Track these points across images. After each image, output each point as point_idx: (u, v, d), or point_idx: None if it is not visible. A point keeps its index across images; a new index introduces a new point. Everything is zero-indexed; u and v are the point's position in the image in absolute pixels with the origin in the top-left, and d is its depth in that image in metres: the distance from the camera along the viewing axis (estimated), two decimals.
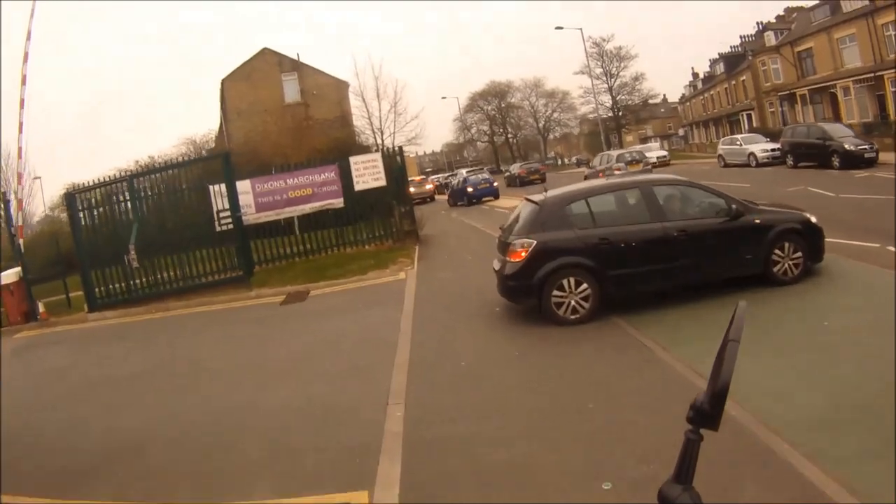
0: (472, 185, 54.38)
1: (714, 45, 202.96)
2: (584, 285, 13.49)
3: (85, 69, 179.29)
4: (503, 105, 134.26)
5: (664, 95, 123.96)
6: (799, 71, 69.07)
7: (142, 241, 23.65)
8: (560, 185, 18.93)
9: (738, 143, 51.47)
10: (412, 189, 60.94)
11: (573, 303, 13.50)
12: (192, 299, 23.00)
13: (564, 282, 13.50)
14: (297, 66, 59.80)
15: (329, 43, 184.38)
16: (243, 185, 25.88)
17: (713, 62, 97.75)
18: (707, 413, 1.96)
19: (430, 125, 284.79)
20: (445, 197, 68.25)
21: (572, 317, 13.50)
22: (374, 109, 75.89)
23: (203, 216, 25.06)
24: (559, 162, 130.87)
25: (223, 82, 58.81)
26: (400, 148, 31.45)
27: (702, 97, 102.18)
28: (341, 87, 61.93)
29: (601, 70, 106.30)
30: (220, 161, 25.79)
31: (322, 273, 23.62)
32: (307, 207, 26.91)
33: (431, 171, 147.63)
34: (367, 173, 27.45)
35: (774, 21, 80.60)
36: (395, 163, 29.22)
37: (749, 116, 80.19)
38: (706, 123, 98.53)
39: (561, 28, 79.21)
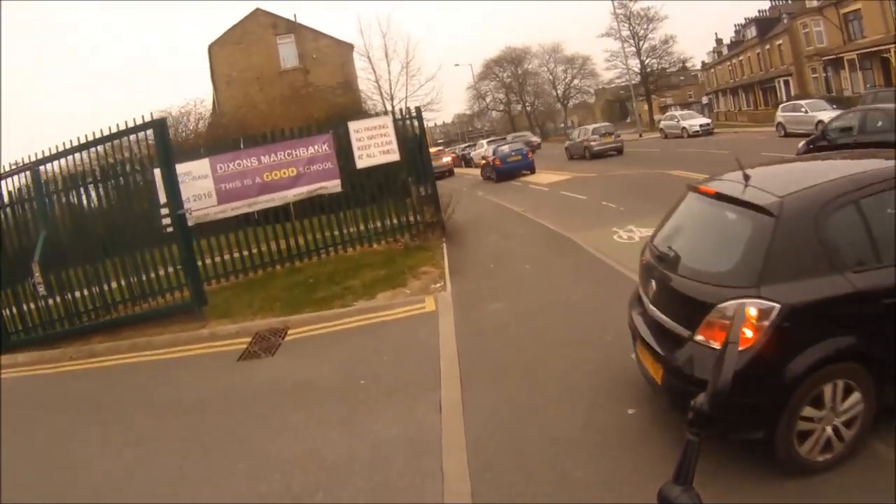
0: (501, 157, 44.91)
1: (738, 10, 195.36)
2: (856, 394, 5.89)
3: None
4: (520, 72, 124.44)
5: (693, 60, 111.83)
6: (845, 34, 61.66)
7: (55, 255, 16.14)
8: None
9: (803, 109, 43.22)
10: None
11: (829, 431, 5.89)
12: (124, 337, 15.09)
13: (827, 389, 5.80)
14: (293, 28, 51.44)
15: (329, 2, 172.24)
16: (199, 167, 18.54)
17: (742, 26, 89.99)
18: (707, 414, 2.00)
19: (442, 94, 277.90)
20: (466, 170, 63.10)
21: (821, 458, 5.91)
22: (382, 71, 67.18)
23: (142, 214, 17.19)
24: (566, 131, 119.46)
25: (210, 48, 50.72)
26: (417, 109, 22.04)
27: (729, 63, 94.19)
28: (344, 49, 53.83)
29: (628, 32, 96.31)
30: (159, 132, 15.87)
31: (309, 294, 15.88)
32: (290, 194, 19.34)
33: (444, 142, 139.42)
34: (374, 144, 19.98)
35: None
36: (410, 129, 21.19)
37: (786, 83, 72.49)
38: (734, 91, 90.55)
39: None
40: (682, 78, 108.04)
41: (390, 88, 65.63)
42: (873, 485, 5.57)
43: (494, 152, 45.59)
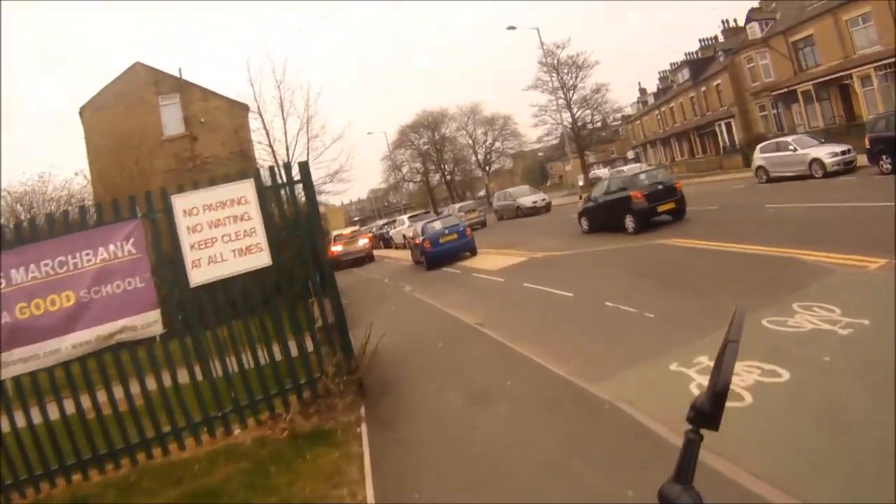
0: (432, 238, 33.52)
1: (658, 60, 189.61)
2: None
3: None
4: (437, 137, 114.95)
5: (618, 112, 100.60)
6: (795, 65, 55.69)
7: None
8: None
9: (791, 147, 34.47)
10: (339, 247, 45.74)
11: None
12: None
13: None
14: (178, 87, 41.08)
15: (222, 54, 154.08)
16: None
17: (671, 71, 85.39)
18: (707, 413, 1.91)
19: (353, 160, 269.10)
20: (386, 251, 55.12)
21: None
22: (278, 132, 49.49)
23: None
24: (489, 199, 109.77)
25: (81, 112, 39.90)
26: (303, 166, 12.52)
27: (657, 112, 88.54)
28: (237, 111, 43.08)
29: (556, 83, 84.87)
30: None
31: None
32: (65, 346, 9.97)
33: (359, 219, 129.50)
34: (223, 236, 10.80)
35: (756, 8, 65.52)
36: (289, 205, 12.21)
37: (728, 125, 66.41)
38: (665, 141, 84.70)
39: (514, 28, 60.56)
40: (603, 133, 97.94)
41: (287, 152, 48.12)
42: None
43: (423, 231, 34.60)
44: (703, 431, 1.94)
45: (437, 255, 33.05)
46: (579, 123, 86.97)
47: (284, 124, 47.91)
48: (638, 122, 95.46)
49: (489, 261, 29.47)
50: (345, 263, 45.03)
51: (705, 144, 72.65)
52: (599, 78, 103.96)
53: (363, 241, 49.93)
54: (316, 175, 45.06)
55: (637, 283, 17.07)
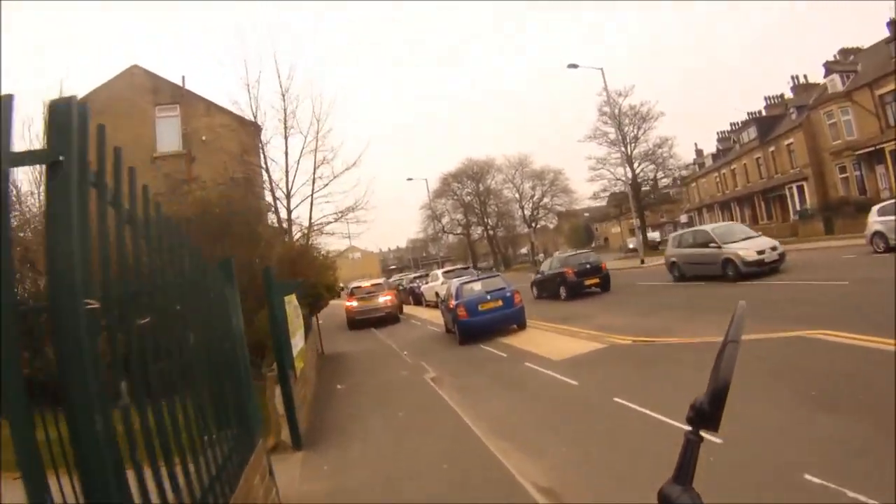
0: (468, 304, 24.85)
1: (713, 121, 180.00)
2: None
3: None
4: (482, 188, 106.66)
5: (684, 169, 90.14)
6: (883, 120, 48.49)
7: None
8: None
9: None
10: (354, 303, 37.02)
11: None
12: None
13: None
14: (180, 97, 33.18)
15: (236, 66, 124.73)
16: None
17: (734, 131, 76.96)
18: (707, 413, 1.88)
19: (373, 196, 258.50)
20: (415, 309, 45.62)
21: None
22: (277, 153, 36.60)
23: None
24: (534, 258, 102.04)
25: None
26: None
27: (716, 174, 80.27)
28: (246, 131, 34.22)
29: (617, 135, 73.71)
30: None
31: None
32: None
33: (396, 268, 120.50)
34: None
35: (835, 61, 58.07)
36: None
37: (800, 188, 59.05)
38: (725, 205, 76.23)
39: (575, 66, 50.81)
40: (653, 196, 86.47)
41: (287, 179, 34.78)
42: None
43: (458, 293, 25.95)
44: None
45: (473, 327, 24.51)
46: (640, 180, 77.29)
47: (286, 141, 35.44)
48: (694, 184, 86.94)
49: (545, 342, 21.10)
50: (360, 322, 37.10)
51: (771, 209, 64.80)
52: (662, 131, 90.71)
53: (385, 299, 38.95)
54: (319, 211, 34.39)
55: (811, 412, 9.33)
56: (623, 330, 19.97)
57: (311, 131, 35.86)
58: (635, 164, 75.99)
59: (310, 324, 22.71)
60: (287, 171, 35.17)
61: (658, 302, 25.43)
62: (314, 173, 35.06)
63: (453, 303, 25.61)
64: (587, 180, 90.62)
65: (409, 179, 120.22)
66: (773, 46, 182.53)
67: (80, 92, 33.87)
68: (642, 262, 50.88)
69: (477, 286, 26.21)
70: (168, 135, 32.36)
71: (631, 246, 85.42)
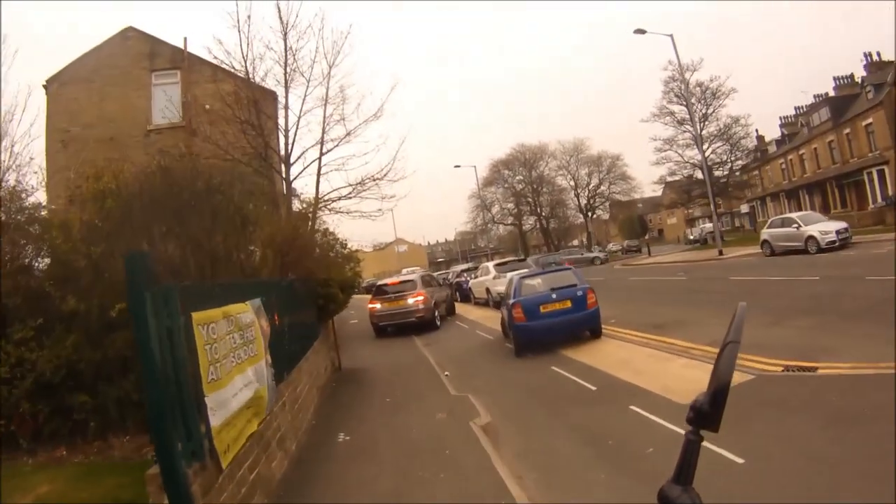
0: (527, 305, 18.93)
1: (772, 108, 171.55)
2: None
3: None
4: (534, 175, 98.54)
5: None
6: None
7: None
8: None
9: None
10: (377, 304, 30.49)
11: None
12: None
13: None
14: (179, 61, 26.34)
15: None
16: None
17: (803, 112, 69.44)
18: (707, 413, 1.87)
19: (441, 206, 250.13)
20: (465, 307, 37.87)
21: None
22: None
23: None
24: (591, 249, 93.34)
25: (47, 85, 25.49)
26: None
27: (781, 161, 72.57)
28: (263, 99, 25.81)
29: (683, 112, 67.44)
30: None
31: None
32: None
33: (444, 261, 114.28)
34: None
35: None
36: None
37: (881, 173, 51.76)
38: (792, 193, 68.32)
39: (643, 32, 43.78)
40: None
41: (286, 141, 25.47)
42: None
43: (516, 290, 20.02)
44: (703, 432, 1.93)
45: (532, 333, 18.93)
46: (711, 163, 66.37)
47: (287, 93, 25.50)
48: (756, 172, 78.86)
49: (642, 364, 14.82)
50: (386, 329, 29.72)
51: (846, 196, 57.33)
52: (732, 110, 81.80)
53: (414, 299, 29.72)
54: (326, 185, 27.90)
55: None
56: (756, 348, 13.25)
57: (317, 74, 25.44)
58: (705, 145, 65.89)
59: (317, 333, 16.66)
60: (287, 131, 25.22)
61: (774, 304, 18.58)
62: (323, 132, 24.97)
63: (508, 301, 20.34)
64: (652, 163, 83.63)
65: (457, 167, 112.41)
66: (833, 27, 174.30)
67: (67, 58, 27.81)
68: (720, 253, 44.45)
69: (541, 282, 20.31)
70: (165, 104, 25.42)
71: (692, 237, 79.95)
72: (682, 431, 5.89)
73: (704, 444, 3.29)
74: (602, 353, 16.74)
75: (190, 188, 12.04)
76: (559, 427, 11.32)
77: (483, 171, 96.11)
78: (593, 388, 13.46)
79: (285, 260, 14.13)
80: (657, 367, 13.95)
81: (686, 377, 12.66)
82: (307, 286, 15.60)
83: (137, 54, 26.35)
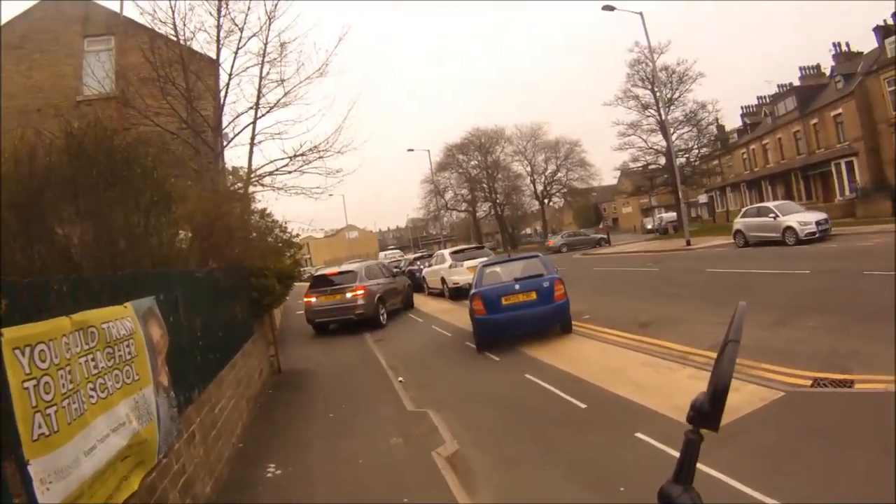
0: (487, 295, 17.08)
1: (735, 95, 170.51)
2: None
3: None
4: (489, 161, 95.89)
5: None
6: None
7: None
8: None
9: None
10: (313, 298, 26.41)
11: None
12: None
13: None
14: (116, 26, 23.65)
15: None
16: None
17: (768, 102, 68.20)
18: (707, 413, 1.85)
19: (393, 191, 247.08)
20: (422, 299, 34.69)
21: None
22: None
23: None
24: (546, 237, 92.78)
25: None
26: None
27: (743, 151, 71.12)
28: (202, 68, 22.15)
29: (649, 97, 66.10)
30: None
31: None
32: None
33: (395, 248, 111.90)
34: None
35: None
36: None
37: (849, 165, 50.52)
38: (753, 184, 66.34)
39: (611, 9, 41.50)
40: (665, 176, 76.22)
41: (215, 100, 21.94)
42: None
43: (478, 280, 18.49)
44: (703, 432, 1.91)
45: (496, 328, 17.30)
46: (678, 149, 64.22)
47: (218, 48, 21.92)
48: (716, 162, 76.80)
49: (635, 372, 12.46)
50: (322, 325, 26.44)
51: (811, 188, 55.94)
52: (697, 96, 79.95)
53: (353, 294, 25.79)
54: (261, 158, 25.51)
55: None
56: (771, 354, 11.34)
57: (253, 23, 22.24)
58: (671, 131, 62.69)
59: (248, 332, 14.06)
60: (216, 93, 21.79)
61: (771, 300, 16.36)
62: (259, 93, 21.69)
63: (473, 290, 18.37)
64: (614, 149, 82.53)
65: (410, 150, 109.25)
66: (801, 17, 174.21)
67: None
68: (688, 243, 42.52)
69: (505, 271, 18.72)
70: (97, 73, 22.65)
71: (649, 227, 79.78)
72: (714, 472, 6.32)
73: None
74: (583, 358, 14.30)
75: (99, 160, 9.55)
76: (547, 462, 8.82)
77: (437, 155, 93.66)
78: (582, 405, 10.92)
79: (204, 245, 11.48)
80: (658, 380, 11.49)
81: (678, 385, 10.59)
82: (235, 277, 12.99)
83: (70, 18, 23.79)
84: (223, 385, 10.14)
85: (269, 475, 9.20)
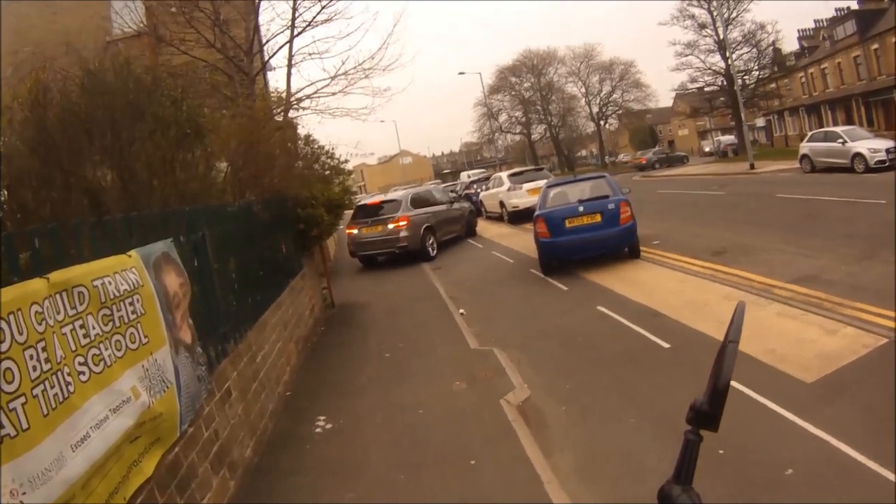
0: (552, 218, 16.42)
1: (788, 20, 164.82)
2: None
3: None
4: (543, 83, 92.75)
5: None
6: None
7: None
8: None
9: None
10: (355, 230, 24.21)
11: None
12: None
13: None
14: None
15: None
16: None
17: (826, 25, 64.52)
18: (707, 413, 1.75)
19: (446, 115, 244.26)
20: (485, 224, 32.73)
21: None
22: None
23: None
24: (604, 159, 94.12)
25: None
26: None
27: (801, 75, 66.91)
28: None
29: (704, 16, 63.97)
30: None
31: None
32: None
33: (450, 172, 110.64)
34: None
35: None
36: None
37: None
38: (812, 109, 63.19)
39: None
40: (722, 99, 71.82)
41: (246, 22, 20.15)
42: None
43: (542, 201, 17.84)
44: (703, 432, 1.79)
45: (559, 251, 16.87)
46: (736, 70, 62.35)
47: None
48: (773, 85, 72.46)
49: (714, 302, 11.46)
50: (366, 259, 24.65)
51: (872, 115, 52.85)
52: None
53: (395, 226, 23.45)
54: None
55: None
56: (858, 293, 10.19)
57: None
58: (729, 52, 62.43)
59: (296, 267, 13.21)
60: (249, 14, 19.99)
61: (850, 232, 14.96)
62: (294, 9, 20.06)
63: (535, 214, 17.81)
64: (671, 69, 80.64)
65: (462, 73, 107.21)
66: None
67: None
68: (752, 166, 40.55)
69: (570, 192, 17.82)
70: (128, 11, 21.07)
71: (707, 149, 78.64)
72: (821, 433, 5.98)
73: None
74: (659, 289, 13.16)
75: (124, 96, 8.52)
76: (634, 414, 7.71)
77: (489, 78, 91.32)
78: (665, 344, 9.77)
79: (241, 176, 10.43)
80: (745, 317, 10.07)
81: (792, 334, 9.16)
82: (277, 208, 12.03)
83: None
84: (266, 329, 9.21)
85: (319, 430, 8.26)
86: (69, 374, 3.61)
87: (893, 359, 7.53)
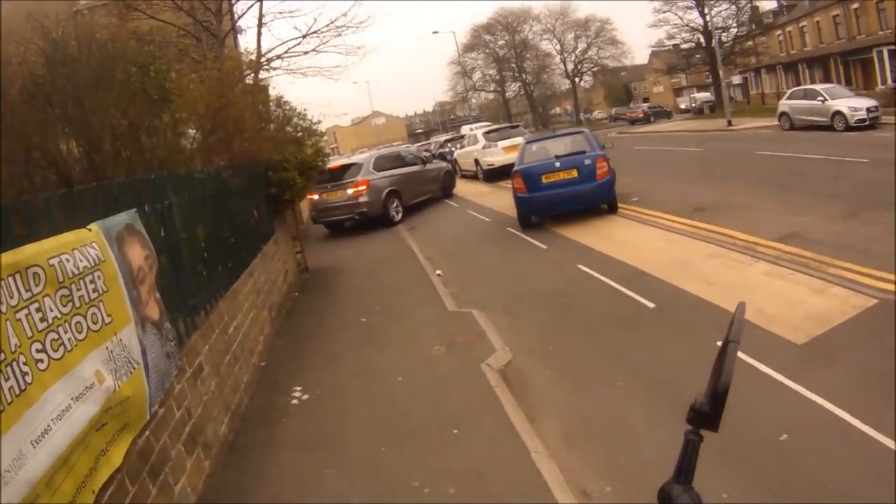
0: (529, 173, 16.58)
1: None
2: None
3: None
4: (517, 40, 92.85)
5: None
6: None
7: None
8: None
9: None
10: (316, 196, 23.12)
11: None
12: None
13: None
14: None
15: None
16: None
17: None
18: (707, 414, 1.71)
19: (418, 76, 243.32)
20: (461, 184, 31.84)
21: None
22: None
23: None
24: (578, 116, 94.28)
25: None
26: None
27: (779, 32, 66.82)
28: None
29: None
30: None
31: None
32: None
33: (423, 132, 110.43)
34: None
35: None
36: None
37: (892, 53, 46.74)
38: (790, 67, 62.96)
39: None
40: (698, 56, 73.46)
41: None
42: None
43: (521, 157, 18.09)
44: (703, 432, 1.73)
45: (536, 207, 17.17)
46: (714, 27, 61.68)
47: None
48: (750, 42, 72.84)
49: (698, 260, 11.39)
50: (329, 225, 23.81)
51: (850, 74, 52.90)
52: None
53: (354, 190, 22.19)
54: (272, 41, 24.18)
55: None
56: (850, 252, 10.02)
57: None
58: (708, 8, 63.75)
59: (268, 232, 12.85)
60: None
61: (833, 189, 14.99)
62: None
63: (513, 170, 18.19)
64: (648, 25, 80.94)
65: (435, 33, 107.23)
66: None
67: None
68: (730, 123, 40.80)
69: (546, 148, 18.05)
70: None
71: (683, 106, 79.98)
72: (816, 397, 5.96)
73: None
74: (642, 247, 12.93)
75: (88, 64, 8.22)
76: (620, 376, 7.57)
77: (463, 37, 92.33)
78: (650, 304, 9.62)
79: (209, 140, 10.25)
80: (731, 275, 10.14)
81: (780, 294, 9.02)
82: (248, 173, 11.68)
83: None
84: (238, 298, 8.94)
85: (295, 402, 8.00)
86: (25, 364, 3.35)
87: (889, 320, 7.37)
